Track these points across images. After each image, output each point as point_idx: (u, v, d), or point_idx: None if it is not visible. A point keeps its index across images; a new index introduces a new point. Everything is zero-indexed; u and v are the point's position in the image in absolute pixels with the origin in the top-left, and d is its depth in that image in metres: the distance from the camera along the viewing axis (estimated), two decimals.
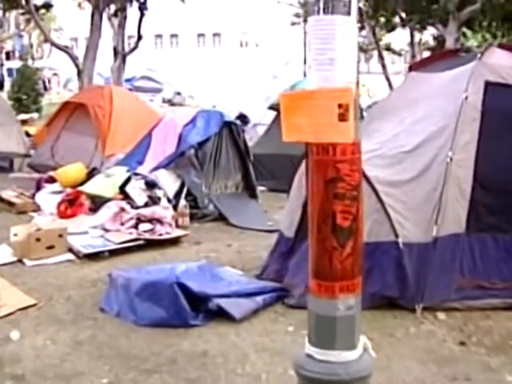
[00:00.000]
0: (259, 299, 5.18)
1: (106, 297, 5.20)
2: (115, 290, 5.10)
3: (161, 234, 7.29)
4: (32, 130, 17.69)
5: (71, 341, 4.60)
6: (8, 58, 38.14)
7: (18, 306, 5.15)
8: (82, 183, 9.92)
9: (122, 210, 7.48)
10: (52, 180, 9.60)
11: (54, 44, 21.12)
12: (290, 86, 12.85)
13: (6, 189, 10.26)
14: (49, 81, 34.47)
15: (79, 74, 19.15)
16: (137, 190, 8.22)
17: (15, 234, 6.74)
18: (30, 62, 31.17)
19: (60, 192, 9.12)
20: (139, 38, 20.92)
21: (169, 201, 8.34)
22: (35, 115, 23.83)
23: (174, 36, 52.07)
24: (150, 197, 8.17)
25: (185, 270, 5.44)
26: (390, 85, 29.82)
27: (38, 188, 9.36)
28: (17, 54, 40.28)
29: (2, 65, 31.17)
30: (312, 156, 2.54)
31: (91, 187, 8.96)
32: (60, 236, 6.66)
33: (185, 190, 8.60)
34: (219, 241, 7.64)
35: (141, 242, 7.04)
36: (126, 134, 11.09)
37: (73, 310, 5.17)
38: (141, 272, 5.46)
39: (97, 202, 8.70)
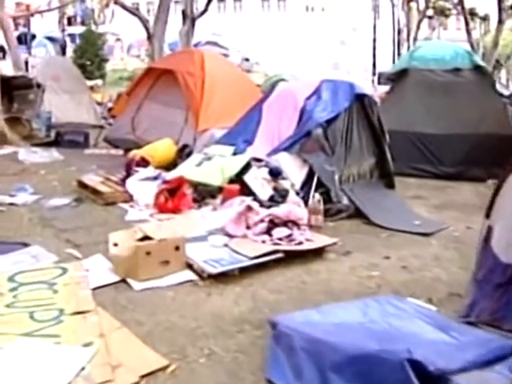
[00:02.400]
0: (504, 370, 3.37)
1: (272, 361, 3.42)
2: (289, 353, 3.32)
3: (301, 242, 5.50)
4: (98, 98, 16.49)
5: None
6: (70, 23, 36.79)
7: (142, 369, 3.41)
8: (172, 163, 8.32)
9: (249, 208, 5.71)
10: (145, 162, 7.89)
11: (123, 7, 19.40)
12: (411, 50, 10.87)
13: (85, 170, 8.67)
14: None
15: (149, 38, 17.58)
16: (259, 180, 6.44)
17: (115, 244, 5.07)
18: (92, 27, 29.74)
19: (155, 178, 7.43)
20: None
21: (296, 194, 6.55)
22: (99, 82, 22.70)
23: (237, 0, 50.08)
24: (275, 189, 6.40)
25: (383, 315, 3.72)
26: (474, 51, 27.49)
27: (128, 173, 7.64)
28: (78, 20, 38.93)
29: (64, 30, 29.73)
30: None
31: (193, 172, 7.23)
32: (177, 249, 4.95)
33: (315, 180, 6.77)
34: (371, 249, 5.84)
35: (279, 255, 5.29)
36: (222, 105, 9.55)
37: (224, 379, 3.43)
38: (315, 319, 3.70)
39: (201, 192, 7.03)
